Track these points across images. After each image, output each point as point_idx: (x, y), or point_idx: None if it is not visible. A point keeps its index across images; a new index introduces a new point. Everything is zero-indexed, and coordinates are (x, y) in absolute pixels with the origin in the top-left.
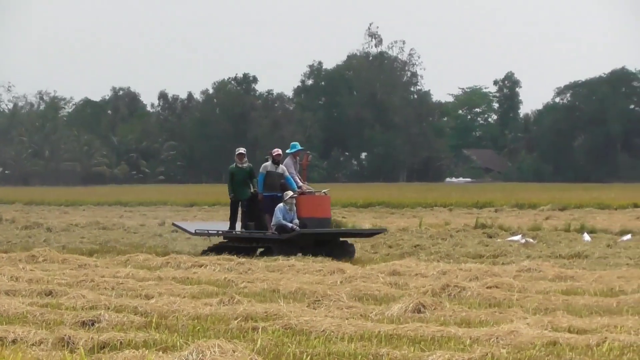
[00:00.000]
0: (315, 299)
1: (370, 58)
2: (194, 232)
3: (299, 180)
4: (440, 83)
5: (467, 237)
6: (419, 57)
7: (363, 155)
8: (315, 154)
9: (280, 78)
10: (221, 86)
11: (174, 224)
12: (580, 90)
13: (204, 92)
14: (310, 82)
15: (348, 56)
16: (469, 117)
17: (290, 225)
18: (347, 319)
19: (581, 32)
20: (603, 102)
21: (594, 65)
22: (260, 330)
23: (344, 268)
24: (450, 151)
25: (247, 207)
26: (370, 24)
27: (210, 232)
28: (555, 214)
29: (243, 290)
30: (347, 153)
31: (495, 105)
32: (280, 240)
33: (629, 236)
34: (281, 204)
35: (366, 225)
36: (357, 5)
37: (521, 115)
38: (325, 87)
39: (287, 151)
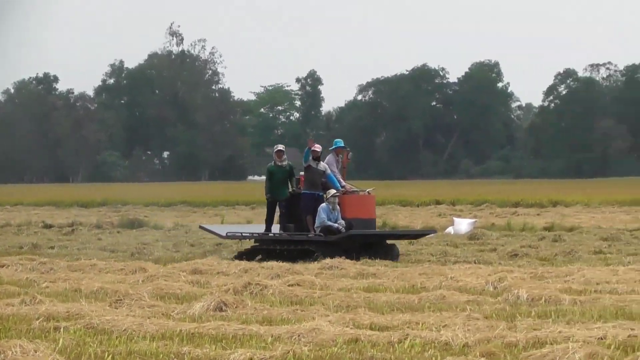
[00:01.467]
0: (117, 298)
1: (172, 57)
2: (225, 234)
3: (341, 179)
4: (243, 82)
5: None
6: (220, 56)
7: (165, 154)
8: (352, 152)
9: (81, 77)
10: (22, 86)
11: (201, 227)
12: (383, 87)
13: (5, 92)
14: (111, 81)
15: (149, 55)
16: (271, 115)
17: (336, 226)
18: (148, 318)
19: (382, 30)
20: (405, 99)
21: (396, 63)
22: (62, 329)
23: (146, 267)
24: (252, 150)
25: (286, 207)
26: (172, 23)
27: (244, 234)
28: None
29: (45, 290)
30: (149, 152)
31: (298, 103)
32: (325, 243)
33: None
34: (324, 204)
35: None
36: (159, 3)
37: (323, 112)
38: (127, 86)
39: (330, 148)
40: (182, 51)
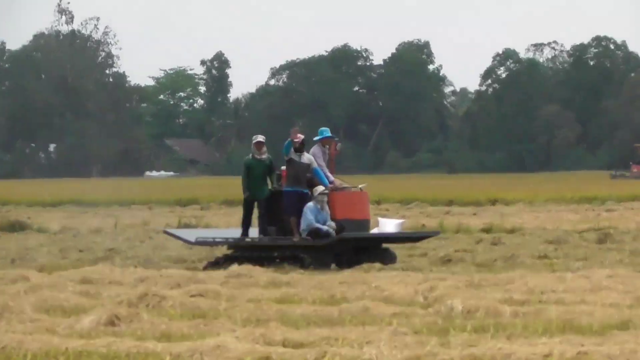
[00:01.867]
0: None
1: (61, 37)
2: (194, 240)
3: (329, 174)
4: (140, 65)
5: (168, 239)
6: (115, 36)
7: (52, 147)
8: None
9: None
10: None
11: (165, 232)
12: (298, 71)
13: None
14: None
15: (35, 36)
16: (172, 102)
17: (325, 228)
18: (30, 334)
19: (298, 6)
20: (323, 84)
21: (313, 43)
22: None
23: (28, 276)
24: (150, 141)
25: (266, 208)
26: (61, 0)
27: (216, 239)
28: None
29: None
30: (33, 144)
31: (202, 89)
32: (314, 248)
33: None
34: (311, 203)
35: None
36: None
37: (231, 99)
38: (10, 70)
39: (315, 138)
40: (72, 31)
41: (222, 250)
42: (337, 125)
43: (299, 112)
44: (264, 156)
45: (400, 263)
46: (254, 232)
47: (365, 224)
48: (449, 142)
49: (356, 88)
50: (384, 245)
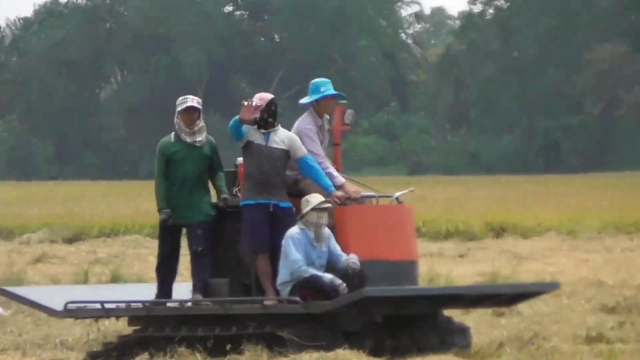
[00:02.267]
0: None
1: None
2: (61, 309)
3: (333, 169)
4: None
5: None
6: None
7: None
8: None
9: None
10: None
11: (3, 291)
12: None
13: None
14: None
15: None
16: None
17: (327, 277)
18: None
19: None
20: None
21: None
22: None
23: None
24: None
25: (206, 240)
26: None
27: (110, 307)
28: None
29: None
30: None
31: None
32: (306, 319)
33: None
34: (296, 228)
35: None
36: None
37: None
38: None
39: (302, 101)
40: None
41: (119, 327)
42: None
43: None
44: (200, 137)
45: None
46: (182, 288)
47: (408, 269)
48: (409, 117)
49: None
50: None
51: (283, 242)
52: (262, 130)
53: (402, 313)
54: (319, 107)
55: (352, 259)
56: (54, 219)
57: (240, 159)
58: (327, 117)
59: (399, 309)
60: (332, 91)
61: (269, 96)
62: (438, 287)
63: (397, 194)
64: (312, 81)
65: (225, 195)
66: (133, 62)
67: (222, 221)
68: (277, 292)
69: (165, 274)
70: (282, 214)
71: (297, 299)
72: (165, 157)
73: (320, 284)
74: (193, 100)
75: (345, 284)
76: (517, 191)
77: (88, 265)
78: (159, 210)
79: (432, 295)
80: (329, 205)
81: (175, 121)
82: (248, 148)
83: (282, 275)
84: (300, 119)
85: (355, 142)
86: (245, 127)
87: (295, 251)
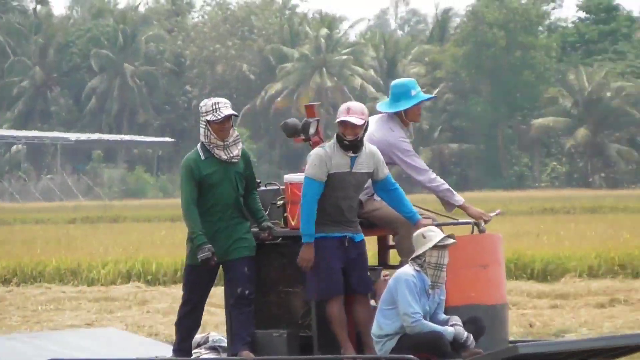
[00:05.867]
0: None
1: None
2: None
3: (447, 184)
4: None
5: None
6: None
7: None
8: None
9: None
10: None
11: None
12: None
13: None
14: None
15: None
16: None
17: (452, 333)
18: None
19: None
20: None
21: None
22: None
23: None
24: None
25: (253, 279)
26: None
27: None
28: None
29: None
30: None
31: None
32: None
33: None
34: (410, 269)
35: None
36: None
37: None
38: None
39: (387, 108)
40: None
41: None
42: None
43: None
44: (236, 151)
45: None
46: (218, 336)
47: (502, 314)
48: None
49: None
50: None
51: (391, 284)
52: (351, 154)
53: None
54: (409, 114)
55: (456, 321)
56: None
57: (288, 177)
58: (412, 127)
59: None
60: (424, 95)
61: (364, 109)
62: (595, 338)
63: (492, 214)
64: (397, 82)
65: (268, 224)
66: None
67: (263, 257)
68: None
69: (191, 326)
70: (355, 251)
71: (414, 357)
72: (197, 179)
73: (443, 342)
74: (227, 105)
75: (470, 337)
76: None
77: None
78: (198, 247)
79: (592, 348)
80: (453, 241)
81: (202, 132)
82: (329, 180)
83: (386, 326)
84: (384, 127)
85: None
86: (323, 150)
87: (412, 300)
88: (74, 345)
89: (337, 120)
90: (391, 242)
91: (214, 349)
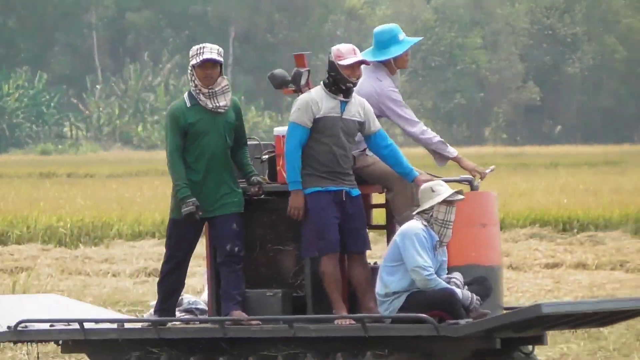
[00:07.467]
0: None
1: None
2: (11, 327)
3: (439, 137)
4: None
5: None
6: None
7: None
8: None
9: None
10: None
11: None
12: None
13: None
14: None
15: None
16: None
17: (464, 294)
18: None
19: None
20: None
21: None
22: None
23: None
24: None
25: (242, 235)
26: None
27: (84, 325)
28: None
29: None
30: None
31: None
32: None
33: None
34: (418, 224)
35: None
36: None
37: None
38: None
39: (374, 57)
40: None
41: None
42: None
43: None
44: (224, 101)
45: None
46: (194, 299)
47: (498, 275)
48: None
49: None
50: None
51: (397, 239)
52: (341, 98)
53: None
54: (398, 61)
55: (457, 279)
56: None
57: (278, 129)
58: (398, 71)
59: (574, 326)
60: (413, 39)
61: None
62: (622, 299)
63: (487, 170)
64: (381, 28)
65: (257, 178)
66: None
67: (251, 213)
68: (350, 305)
69: (175, 286)
70: (352, 205)
71: (428, 317)
72: (181, 129)
73: (455, 299)
74: (212, 51)
75: (477, 298)
76: None
77: None
78: (182, 200)
79: (618, 309)
80: (462, 197)
81: (189, 79)
82: (318, 125)
83: (392, 283)
84: (371, 77)
85: None
86: (313, 94)
87: (423, 253)
88: (8, 310)
89: (345, 62)
90: (374, 202)
91: (189, 311)
